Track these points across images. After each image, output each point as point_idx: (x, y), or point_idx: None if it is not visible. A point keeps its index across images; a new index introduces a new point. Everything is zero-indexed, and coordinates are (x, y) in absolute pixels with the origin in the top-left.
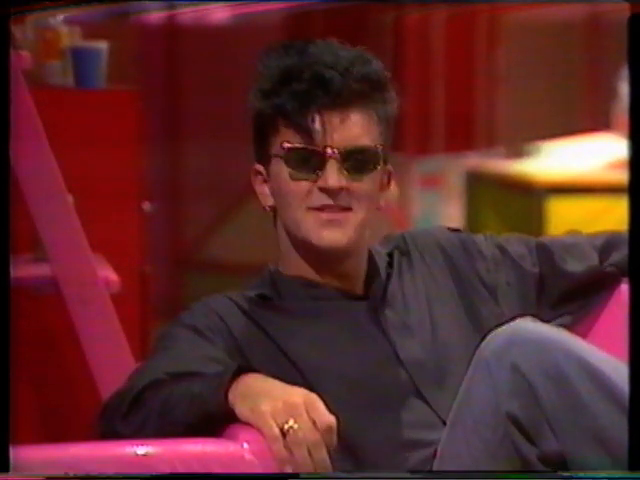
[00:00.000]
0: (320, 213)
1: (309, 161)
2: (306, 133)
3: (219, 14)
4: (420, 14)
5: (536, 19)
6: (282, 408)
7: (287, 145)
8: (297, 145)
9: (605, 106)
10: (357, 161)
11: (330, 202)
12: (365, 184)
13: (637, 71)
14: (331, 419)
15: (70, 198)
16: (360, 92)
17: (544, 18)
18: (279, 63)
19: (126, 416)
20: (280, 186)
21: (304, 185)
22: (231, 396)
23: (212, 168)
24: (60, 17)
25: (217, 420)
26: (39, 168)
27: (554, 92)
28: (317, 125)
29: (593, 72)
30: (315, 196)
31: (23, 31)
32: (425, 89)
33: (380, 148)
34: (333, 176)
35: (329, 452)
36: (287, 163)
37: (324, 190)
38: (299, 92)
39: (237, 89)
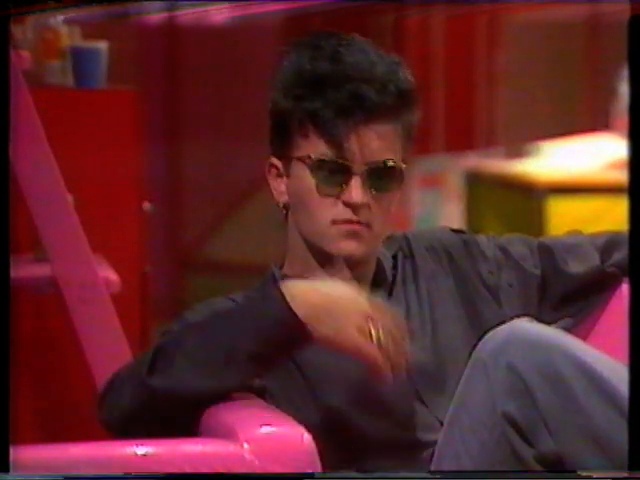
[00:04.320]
0: (342, 226)
1: (335, 174)
2: (338, 146)
3: (219, 14)
4: (420, 15)
5: (536, 19)
6: (363, 323)
7: (316, 156)
8: (327, 158)
9: (605, 106)
10: (382, 178)
11: (353, 217)
12: (386, 200)
13: (637, 71)
14: (393, 312)
15: (70, 198)
16: (393, 108)
17: (544, 18)
18: (312, 66)
19: (153, 367)
20: (303, 193)
21: (329, 198)
22: (298, 311)
23: (212, 168)
24: (60, 17)
25: (286, 339)
26: (39, 168)
27: (554, 92)
28: (350, 140)
29: (593, 72)
30: (339, 210)
31: (23, 31)
32: (425, 89)
33: (404, 166)
34: (358, 192)
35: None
36: (314, 174)
37: (347, 204)
38: (335, 104)
39: (237, 89)
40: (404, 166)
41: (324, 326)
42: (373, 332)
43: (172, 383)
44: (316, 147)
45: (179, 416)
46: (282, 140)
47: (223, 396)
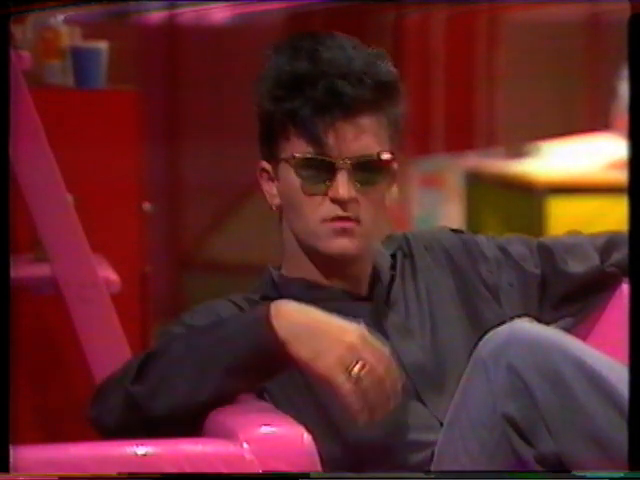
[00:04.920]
0: (332, 223)
1: (320, 171)
2: (318, 144)
3: (219, 14)
4: (420, 14)
5: (536, 19)
6: (346, 354)
7: (298, 156)
8: (308, 156)
9: (605, 106)
10: (368, 172)
11: (342, 213)
12: (375, 194)
13: (637, 71)
14: (384, 351)
15: (70, 198)
16: (372, 100)
17: (544, 18)
18: (290, 67)
19: (137, 376)
20: (290, 194)
21: (316, 196)
22: (279, 329)
23: (212, 168)
24: (60, 17)
25: (263, 356)
26: (39, 168)
27: (554, 92)
28: (329, 136)
29: (593, 72)
30: (327, 207)
31: (23, 31)
32: (425, 89)
33: (390, 157)
34: (344, 187)
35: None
36: (298, 173)
37: (335, 201)
38: (312, 102)
39: (237, 89)
40: (392, 158)
41: (304, 348)
42: (355, 368)
43: (151, 393)
44: (298, 146)
45: (161, 427)
46: (269, 143)
47: (197, 411)
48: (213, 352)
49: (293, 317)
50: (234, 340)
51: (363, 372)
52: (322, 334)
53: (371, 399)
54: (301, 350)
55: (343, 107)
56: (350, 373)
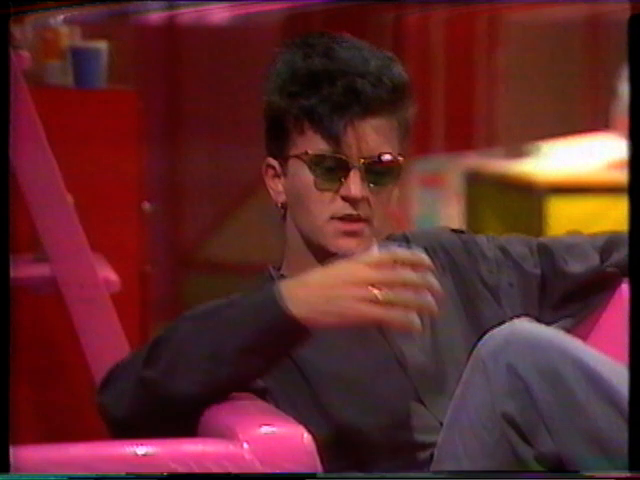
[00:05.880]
0: (340, 224)
1: (333, 169)
2: (335, 141)
3: (219, 14)
4: (420, 14)
5: (536, 19)
6: (361, 291)
7: (312, 152)
8: (324, 153)
9: (605, 106)
10: (379, 172)
11: (352, 211)
12: (384, 195)
13: (637, 71)
14: (385, 256)
15: (70, 198)
16: (388, 101)
17: (544, 18)
18: (306, 64)
19: (148, 359)
20: (300, 191)
21: (327, 193)
22: (294, 309)
23: (212, 168)
24: (60, 17)
25: (277, 335)
26: (39, 168)
27: (554, 92)
28: (347, 134)
29: (593, 72)
30: (337, 205)
31: (23, 31)
32: (425, 89)
33: (401, 160)
34: (357, 185)
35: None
36: (312, 169)
37: (346, 199)
38: (331, 99)
39: (237, 89)
40: (402, 160)
41: (325, 315)
42: (379, 296)
43: (164, 376)
44: (313, 143)
45: (177, 411)
46: (278, 139)
47: (216, 394)
48: (223, 334)
49: (302, 293)
50: (244, 322)
51: (389, 293)
52: (336, 294)
53: (411, 304)
54: (324, 318)
55: (361, 106)
56: (379, 302)
